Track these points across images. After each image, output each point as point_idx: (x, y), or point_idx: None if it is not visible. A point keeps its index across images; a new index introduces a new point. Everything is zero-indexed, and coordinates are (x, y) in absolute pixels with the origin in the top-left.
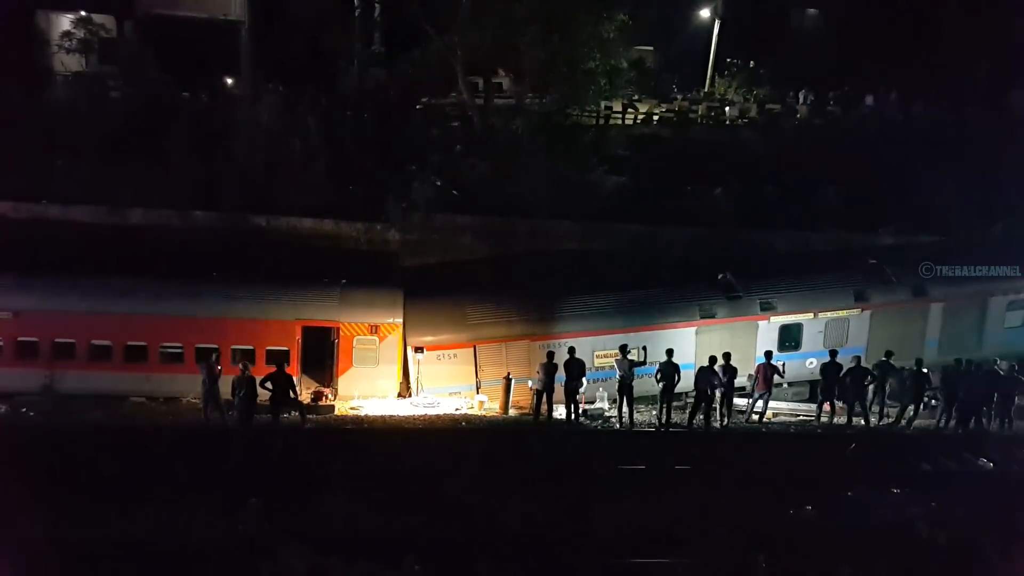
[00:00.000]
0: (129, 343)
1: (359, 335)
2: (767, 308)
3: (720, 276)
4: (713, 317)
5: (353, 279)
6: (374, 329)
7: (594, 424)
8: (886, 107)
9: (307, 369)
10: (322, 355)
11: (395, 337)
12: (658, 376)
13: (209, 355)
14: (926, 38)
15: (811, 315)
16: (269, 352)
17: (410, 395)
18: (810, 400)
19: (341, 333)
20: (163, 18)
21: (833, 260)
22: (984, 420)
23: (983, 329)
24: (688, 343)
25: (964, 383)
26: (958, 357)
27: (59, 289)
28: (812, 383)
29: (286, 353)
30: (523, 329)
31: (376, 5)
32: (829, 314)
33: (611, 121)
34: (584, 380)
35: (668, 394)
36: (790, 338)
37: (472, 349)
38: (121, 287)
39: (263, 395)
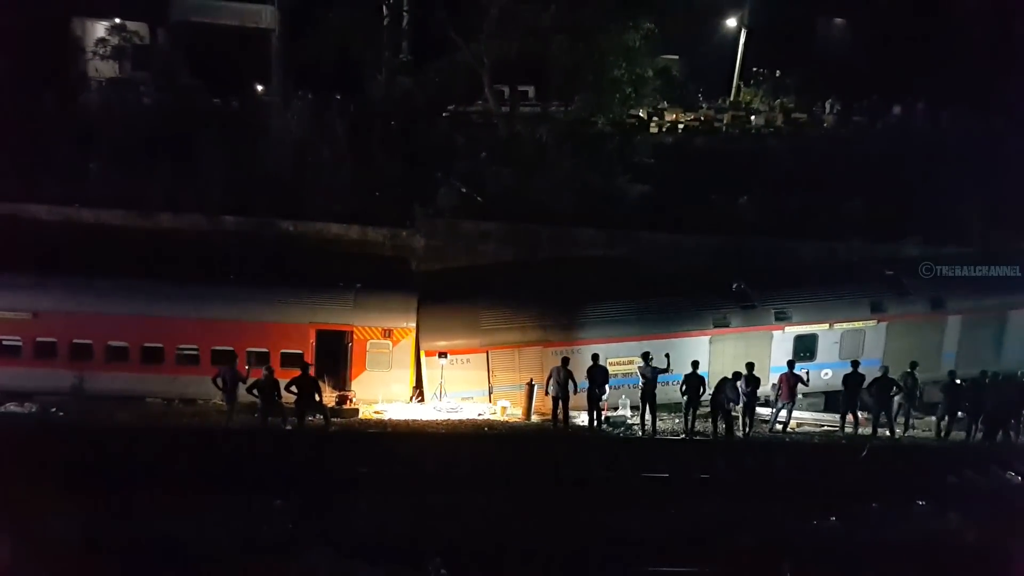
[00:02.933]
0: (146, 344)
1: (373, 339)
2: (782, 318)
3: (735, 286)
4: (727, 326)
5: (368, 283)
6: (388, 333)
7: (616, 431)
8: (913, 117)
9: (321, 373)
10: (336, 359)
11: (408, 341)
12: (683, 388)
13: (232, 358)
14: (955, 48)
15: (826, 326)
16: (284, 355)
17: (422, 400)
18: (825, 411)
19: (355, 337)
20: (196, 26)
21: (850, 271)
22: (1012, 433)
23: (1002, 342)
24: (702, 352)
25: (991, 395)
26: (984, 370)
27: (76, 290)
28: (827, 394)
29: (300, 356)
30: (536, 335)
31: (404, 14)
32: (845, 325)
33: (636, 128)
34: (607, 387)
35: (693, 405)
36: (805, 349)
37: (485, 354)
38: (138, 289)
39: (287, 398)
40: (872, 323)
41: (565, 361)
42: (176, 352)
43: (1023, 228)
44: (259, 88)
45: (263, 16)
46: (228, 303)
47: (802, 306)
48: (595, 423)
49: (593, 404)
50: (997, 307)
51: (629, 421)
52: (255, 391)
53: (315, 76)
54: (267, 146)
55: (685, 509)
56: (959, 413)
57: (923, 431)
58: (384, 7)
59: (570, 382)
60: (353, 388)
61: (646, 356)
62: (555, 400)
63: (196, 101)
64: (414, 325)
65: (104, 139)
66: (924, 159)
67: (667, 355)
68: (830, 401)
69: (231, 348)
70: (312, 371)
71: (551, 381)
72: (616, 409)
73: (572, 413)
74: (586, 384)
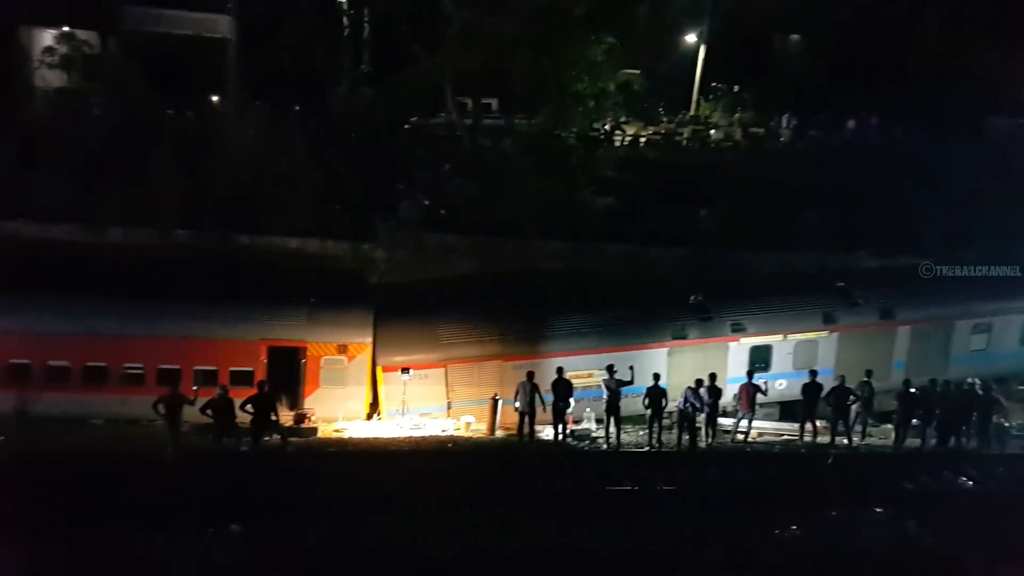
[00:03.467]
0: (89, 364)
1: (327, 355)
2: (738, 329)
3: (692, 298)
4: (685, 338)
5: (323, 298)
6: (343, 349)
7: (581, 445)
8: (867, 132)
9: (276, 391)
10: (289, 376)
11: (365, 357)
12: (646, 402)
13: (176, 380)
14: (907, 65)
15: (781, 337)
16: (233, 373)
17: (380, 416)
18: (781, 420)
19: (308, 353)
20: (148, 35)
21: (803, 283)
22: (963, 439)
23: (949, 351)
24: (660, 364)
25: (942, 403)
26: (934, 378)
27: (13, 308)
28: (782, 404)
29: (251, 374)
30: (496, 349)
31: (366, 25)
32: (798, 336)
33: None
34: (572, 401)
35: (657, 418)
36: (760, 359)
37: (444, 369)
38: (80, 306)
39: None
40: (824, 334)
41: (531, 375)
42: (121, 372)
43: (973, 239)
44: (215, 99)
45: (219, 26)
46: (174, 320)
47: (757, 318)
48: (560, 437)
49: (558, 418)
50: (944, 317)
51: (594, 434)
52: (209, 411)
53: (273, 87)
54: (223, 158)
55: (651, 522)
56: (913, 420)
57: (879, 439)
58: (344, 18)
59: (536, 396)
60: (307, 406)
61: (610, 368)
62: (522, 415)
63: (149, 112)
64: (370, 340)
65: (52, 151)
66: (878, 172)
67: (631, 367)
68: (785, 411)
69: (178, 367)
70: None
71: (519, 396)
72: (580, 422)
73: (537, 428)
74: (551, 398)
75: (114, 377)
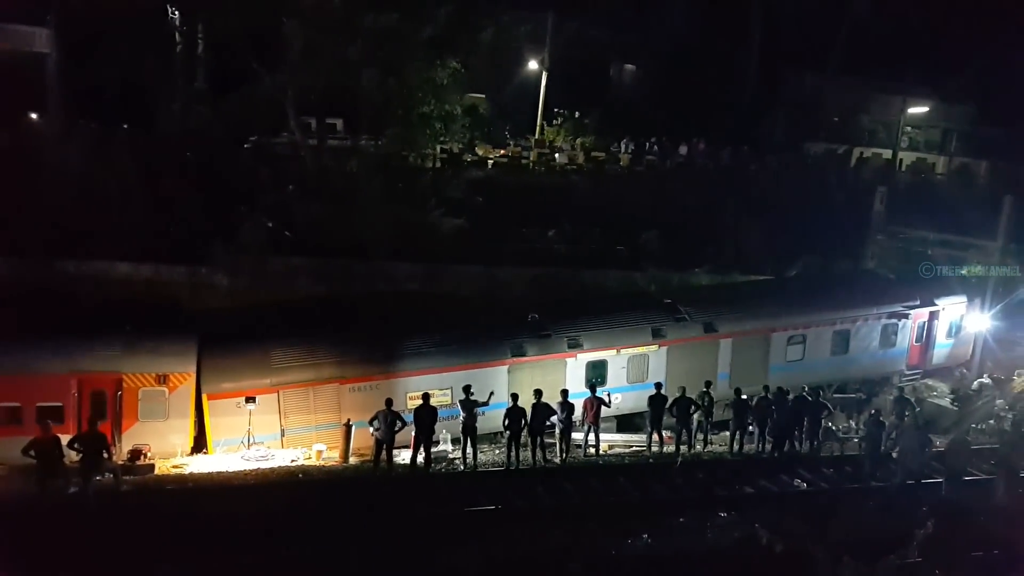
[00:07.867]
0: None
1: (145, 386)
2: (574, 346)
3: (530, 316)
4: (524, 355)
5: (142, 326)
6: (163, 379)
7: (438, 467)
8: (697, 156)
9: (91, 426)
10: (103, 410)
11: (187, 387)
12: (506, 422)
13: None
14: (732, 94)
15: (614, 352)
16: (40, 409)
17: (205, 451)
18: (618, 433)
19: (125, 385)
20: None
21: (635, 300)
22: (796, 443)
23: (768, 362)
24: (501, 381)
25: (775, 410)
26: (766, 385)
27: None
28: (618, 417)
29: (60, 409)
30: (331, 372)
31: (199, 41)
32: (630, 350)
33: (447, 164)
34: (437, 430)
35: (517, 438)
36: (597, 374)
37: (276, 395)
38: None
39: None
40: (654, 348)
41: (389, 403)
42: None
43: (798, 255)
44: (33, 116)
45: (38, 39)
46: None
47: (592, 334)
48: (419, 462)
49: (426, 447)
50: (760, 329)
51: (450, 455)
52: (32, 452)
53: (100, 104)
54: (43, 181)
55: (510, 540)
56: (749, 427)
57: (720, 446)
58: (176, 34)
59: (398, 422)
60: (124, 442)
61: (467, 389)
62: (379, 443)
63: None
64: (193, 369)
65: None
66: (708, 194)
67: (492, 392)
68: (622, 424)
69: None
70: (73, 426)
71: (376, 422)
72: (437, 444)
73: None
74: (409, 418)
75: None
